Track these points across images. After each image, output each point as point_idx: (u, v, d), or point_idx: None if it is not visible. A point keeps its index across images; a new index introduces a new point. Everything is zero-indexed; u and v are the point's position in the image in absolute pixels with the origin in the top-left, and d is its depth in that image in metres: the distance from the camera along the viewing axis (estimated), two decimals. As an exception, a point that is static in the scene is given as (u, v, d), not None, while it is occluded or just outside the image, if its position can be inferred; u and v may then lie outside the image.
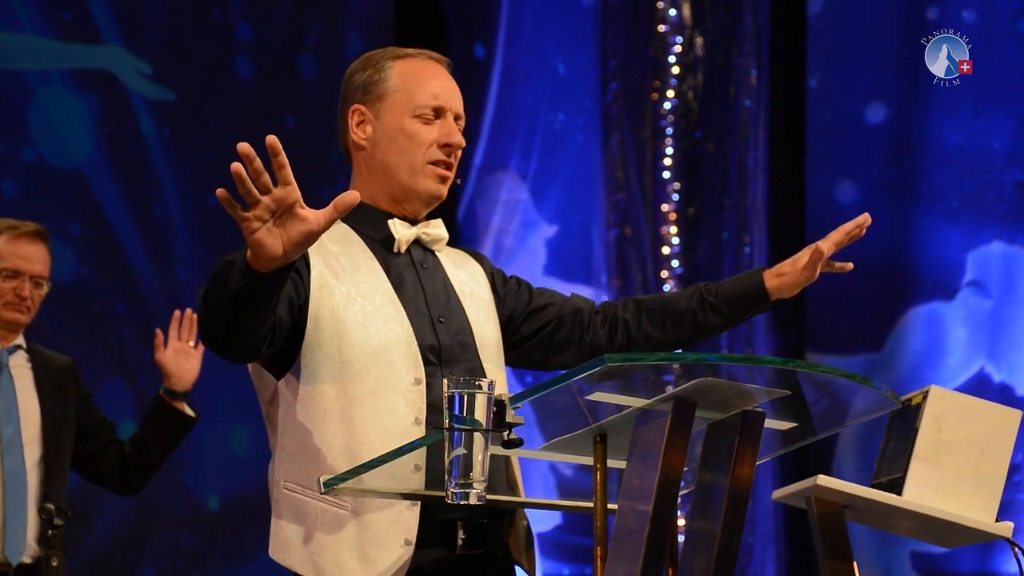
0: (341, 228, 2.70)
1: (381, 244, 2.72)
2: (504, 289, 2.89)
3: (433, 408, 2.58)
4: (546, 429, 2.36)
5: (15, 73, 5.78)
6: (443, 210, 2.84)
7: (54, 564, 4.00)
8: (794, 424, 2.41)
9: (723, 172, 6.58)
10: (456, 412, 2.14)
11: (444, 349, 2.65)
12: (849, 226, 2.83)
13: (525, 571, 2.70)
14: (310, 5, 6.59)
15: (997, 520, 2.53)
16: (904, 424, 2.58)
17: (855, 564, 2.51)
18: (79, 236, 5.86)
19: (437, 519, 2.57)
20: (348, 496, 2.50)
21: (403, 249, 2.74)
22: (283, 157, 2.23)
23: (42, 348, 4.36)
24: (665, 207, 6.55)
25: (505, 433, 2.15)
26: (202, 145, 6.05)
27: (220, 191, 2.20)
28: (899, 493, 2.51)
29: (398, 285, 2.68)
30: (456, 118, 2.76)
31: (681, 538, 2.33)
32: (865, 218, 2.83)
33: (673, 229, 6.54)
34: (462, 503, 2.15)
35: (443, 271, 2.78)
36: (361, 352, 2.58)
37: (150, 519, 5.94)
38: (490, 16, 7.01)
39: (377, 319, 2.61)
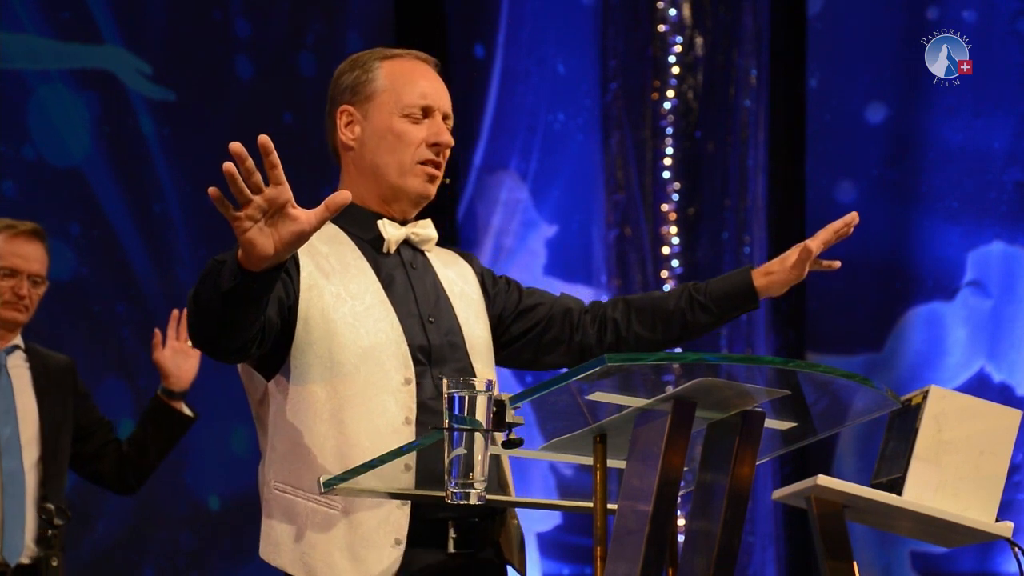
0: (331, 229, 2.70)
1: (371, 244, 2.72)
2: (494, 289, 2.88)
3: (423, 408, 2.58)
4: (546, 429, 2.36)
5: (15, 73, 5.77)
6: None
7: (54, 564, 3.99)
8: (794, 424, 2.41)
9: (723, 172, 6.58)
10: (456, 412, 2.14)
11: (434, 349, 2.65)
12: (837, 224, 2.83)
13: (516, 570, 2.69)
14: (310, 5, 6.58)
15: (997, 520, 2.53)
16: (904, 424, 2.58)
17: (855, 564, 2.51)
18: (79, 236, 5.86)
19: (428, 519, 2.56)
20: (340, 496, 2.50)
21: (393, 249, 2.74)
22: (275, 157, 2.23)
23: (40, 348, 4.35)
24: (665, 207, 6.55)
25: (505, 433, 2.15)
26: (202, 145, 6.04)
27: (212, 190, 2.20)
28: (899, 493, 2.51)
29: (388, 285, 2.68)
30: (444, 117, 2.76)
31: (681, 538, 2.33)
32: (853, 217, 2.84)
33: (673, 229, 6.54)
34: (462, 503, 2.15)
35: (433, 271, 2.78)
36: (351, 352, 2.57)
37: (150, 519, 5.94)
38: (490, 16, 7.01)
39: (367, 319, 2.61)
